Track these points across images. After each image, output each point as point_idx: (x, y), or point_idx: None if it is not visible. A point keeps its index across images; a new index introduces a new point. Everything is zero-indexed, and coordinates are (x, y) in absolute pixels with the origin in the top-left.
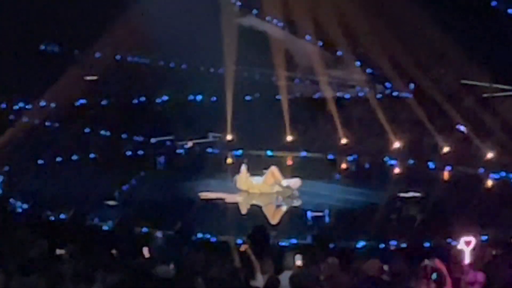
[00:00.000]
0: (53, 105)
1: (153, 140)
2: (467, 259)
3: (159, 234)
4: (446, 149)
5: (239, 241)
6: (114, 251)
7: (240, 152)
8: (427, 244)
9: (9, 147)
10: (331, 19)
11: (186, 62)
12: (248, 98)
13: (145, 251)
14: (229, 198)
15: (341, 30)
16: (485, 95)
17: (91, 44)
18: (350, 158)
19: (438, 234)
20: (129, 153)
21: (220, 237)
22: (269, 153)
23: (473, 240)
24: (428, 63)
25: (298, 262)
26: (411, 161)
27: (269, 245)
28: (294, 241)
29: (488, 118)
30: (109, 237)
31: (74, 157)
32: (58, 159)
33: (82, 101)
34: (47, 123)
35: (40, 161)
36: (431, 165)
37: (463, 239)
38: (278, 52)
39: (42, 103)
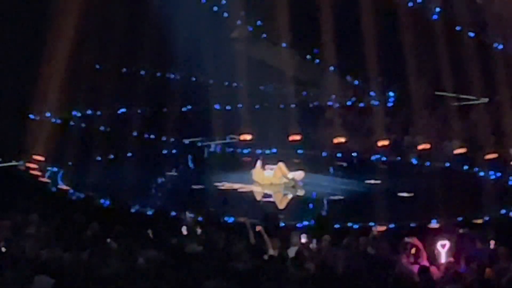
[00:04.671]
0: (99, 113)
1: (186, 141)
2: (443, 259)
3: (189, 215)
4: (422, 147)
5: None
6: (149, 232)
7: (250, 150)
8: (409, 225)
9: (69, 147)
10: (328, 43)
11: (212, 78)
12: (257, 106)
13: (184, 229)
14: (245, 188)
15: (336, 52)
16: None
17: (135, 64)
18: (342, 155)
19: (417, 217)
20: (165, 151)
21: (238, 219)
22: (274, 150)
23: (447, 243)
24: (406, 76)
25: (303, 240)
26: (394, 158)
27: (278, 226)
28: (298, 222)
29: (457, 122)
30: (149, 220)
31: (122, 155)
32: (110, 156)
33: (123, 109)
34: (101, 128)
35: (93, 159)
36: (414, 161)
37: (439, 242)
38: (285, 70)
39: (89, 112)
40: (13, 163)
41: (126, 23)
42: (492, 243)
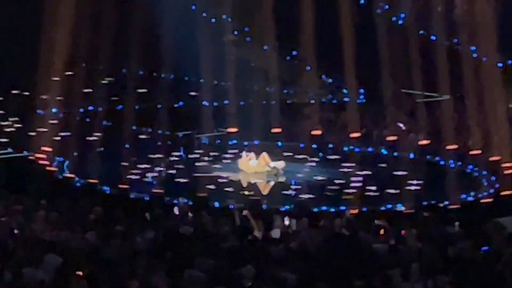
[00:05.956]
0: (100, 109)
1: (180, 134)
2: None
3: (182, 200)
4: (391, 139)
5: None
6: (147, 215)
7: (236, 141)
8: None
9: (74, 140)
10: (306, 45)
11: (202, 77)
12: (242, 103)
13: (176, 210)
14: (231, 176)
15: (312, 54)
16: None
17: (134, 66)
18: (318, 146)
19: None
20: (160, 143)
21: (225, 204)
22: (256, 142)
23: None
24: (375, 75)
25: (286, 222)
26: (365, 148)
27: (262, 210)
28: (280, 206)
29: (421, 117)
30: (146, 205)
31: (121, 147)
32: (111, 148)
33: (120, 106)
34: (103, 122)
35: (96, 150)
36: (383, 151)
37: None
38: (268, 70)
39: (91, 108)
40: (24, 153)
41: (132, 30)
42: (453, 225)
